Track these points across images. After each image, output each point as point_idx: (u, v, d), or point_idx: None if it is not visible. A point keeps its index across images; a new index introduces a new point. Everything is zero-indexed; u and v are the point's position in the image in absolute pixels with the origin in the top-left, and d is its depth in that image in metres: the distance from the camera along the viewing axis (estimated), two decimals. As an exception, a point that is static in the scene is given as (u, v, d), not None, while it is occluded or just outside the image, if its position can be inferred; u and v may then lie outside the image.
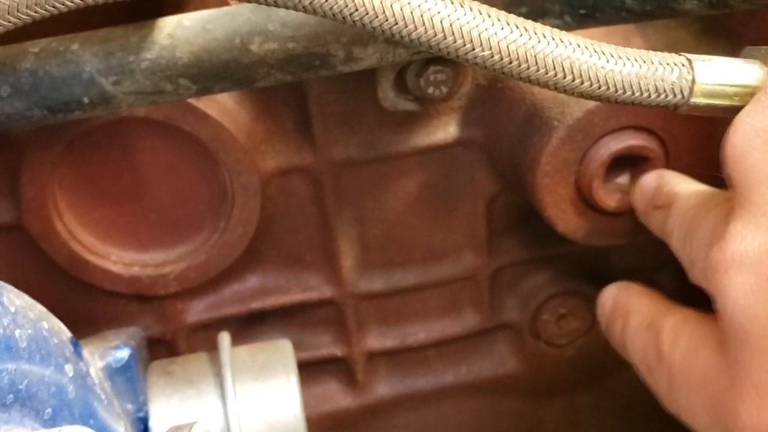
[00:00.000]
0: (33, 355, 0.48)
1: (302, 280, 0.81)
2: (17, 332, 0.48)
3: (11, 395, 0.46)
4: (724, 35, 0.72)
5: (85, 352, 0.58)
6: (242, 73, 0.57)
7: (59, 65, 0.56)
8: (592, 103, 0.67)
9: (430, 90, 0.65)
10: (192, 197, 0.74)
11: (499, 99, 0.73)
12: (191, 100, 0.67)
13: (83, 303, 0.76)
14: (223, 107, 0.70)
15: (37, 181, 0.69)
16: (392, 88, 0.66)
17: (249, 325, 0.83)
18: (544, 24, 0.58)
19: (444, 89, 0.66)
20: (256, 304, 0.81)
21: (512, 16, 0.42)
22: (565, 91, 0.43)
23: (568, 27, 0.58)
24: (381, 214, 0.79)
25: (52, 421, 0.48)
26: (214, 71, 0.57)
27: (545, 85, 0.43)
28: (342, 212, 0.78)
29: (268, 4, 0.40)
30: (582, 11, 0.57)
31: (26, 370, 0.47)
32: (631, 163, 0.71)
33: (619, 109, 0.67)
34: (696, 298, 0.87)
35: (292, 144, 0.74)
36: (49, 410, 0.48)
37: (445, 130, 0.75)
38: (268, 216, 0.76)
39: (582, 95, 0.43)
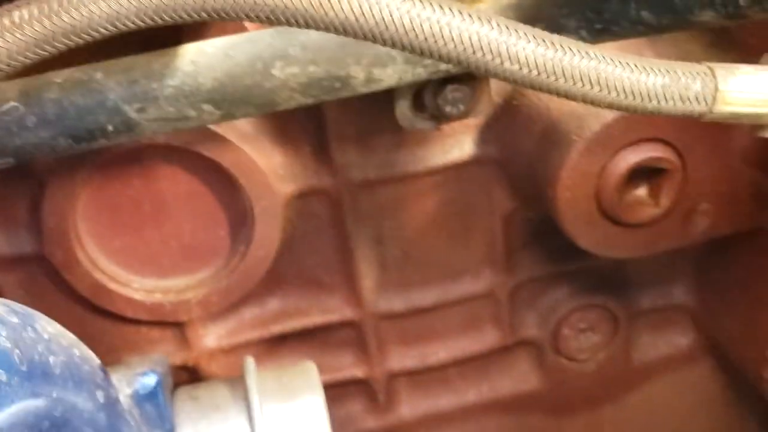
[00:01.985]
0: (66, 381, 0.48)
1: (322, 302, 0.82)
2: (51, 359, 0.48)
3: (47, 422, 0.46)
4: (735, 47, 0.73)
5: (114, 378, 0.58)
6: (265, 97, 0.58)
7: (83, 94, 0.57)
8: (609, 117, 0.67)
9: (448, 108, 0.66)
10: (212, 222, 0.74)
11: (515, 116, 0.74)
12: (211, 126, 0.67)
13: (105, 331, 0.76)
14: (242, 132, 0.70)
15: (58, 211, 0.70)
16: (410, 107, 0.67)
17: (270, 348, 0.83)
18: (561, 40, 0.59)
19: (461, 107, 0.66)
20: (277, 328, 0.81)
21: (537, 30, 0.43)
22: (592, 102, 0.44)
23: (584, 42, 0.58)
24: (399, 234, 0.80)
25: (86, 448, 0.48)
26: (237, 96, 0.58)
27: (573, 97, 0.43)
28: (361, 233, 0.78)
29: (299, 27, 0.40)
30: (598, 26, 0.57)
31: (61, 396, 0.47)
32: (649, 175, 0.71)
33: (636, 121, 0.68)
34: (709, 312, 0.88)
35: (310, 167, 0.74)
36: (82, 437, 0.48)
37: (461, 149, 0.76)
38: (288, 238, 0.77)
39: (609, 106, 0.44)
